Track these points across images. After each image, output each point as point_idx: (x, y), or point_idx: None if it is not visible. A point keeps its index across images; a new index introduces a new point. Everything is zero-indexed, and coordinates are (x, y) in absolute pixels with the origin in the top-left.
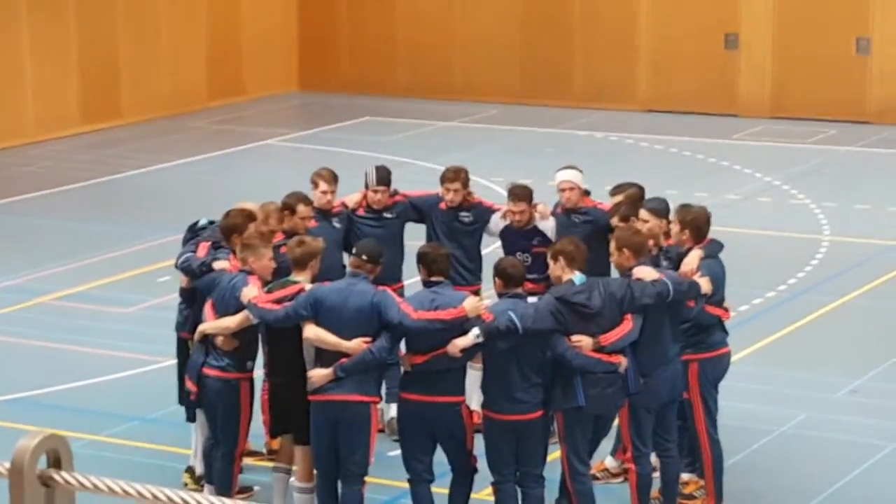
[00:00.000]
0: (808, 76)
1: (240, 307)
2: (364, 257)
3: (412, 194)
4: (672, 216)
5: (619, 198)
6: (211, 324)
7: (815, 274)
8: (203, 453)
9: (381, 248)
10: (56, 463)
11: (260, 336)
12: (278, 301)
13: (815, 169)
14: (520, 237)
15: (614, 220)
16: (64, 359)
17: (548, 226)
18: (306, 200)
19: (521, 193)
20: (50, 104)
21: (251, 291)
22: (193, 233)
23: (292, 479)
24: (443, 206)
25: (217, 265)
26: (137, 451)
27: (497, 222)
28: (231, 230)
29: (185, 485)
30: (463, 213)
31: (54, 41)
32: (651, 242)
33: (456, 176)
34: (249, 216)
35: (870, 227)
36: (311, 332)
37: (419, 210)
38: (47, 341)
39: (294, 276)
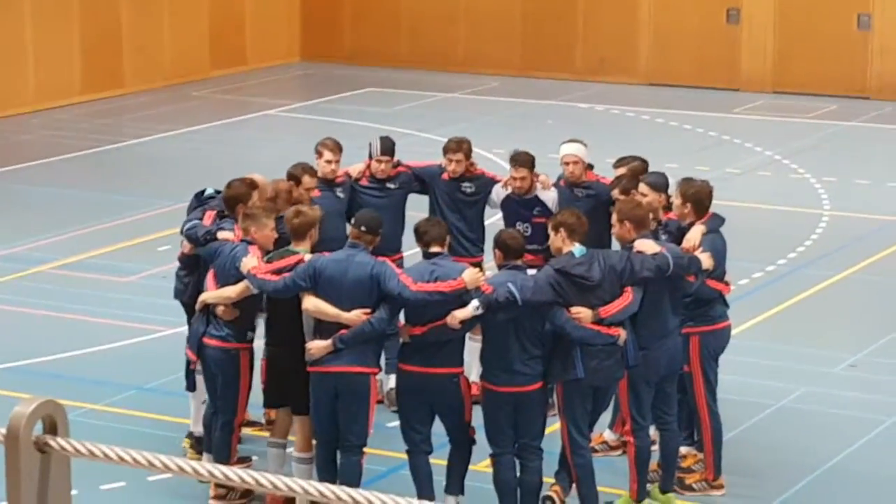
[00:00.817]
0: (809, 51)
1: (240, 277)
2: (363, 228)
3: (415, 165)
4: (674, 190)
5: (622, 170)
6: (212, 293)
7: (814, 248)
8: (203, 423)
9: (380, 218)
10: (52, 429)
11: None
12: (278, 271)
13: (815, 144)
14: (521, 206)
15: (615, 193)
16: (63, 327)
17: (549, 196)
18: (311, 171)
19: (522, 159)
20: (52, 73)
21: (251, 261)
22: (200, 201)
23: (290, 449)
24: (445, 176)
25: (221, 235)
26: (136, 420)
27: (499, 192)
28: (234, 200)
29: (185, 451)
30: (465, 184)
31: (56, 9)
32: (650, 216)
33: (458, 147)
34: (252, 185)
35: (870, 201)
36: (311, 303)
37: (422, 181)
38: (46, 310)
39: (293, 247)
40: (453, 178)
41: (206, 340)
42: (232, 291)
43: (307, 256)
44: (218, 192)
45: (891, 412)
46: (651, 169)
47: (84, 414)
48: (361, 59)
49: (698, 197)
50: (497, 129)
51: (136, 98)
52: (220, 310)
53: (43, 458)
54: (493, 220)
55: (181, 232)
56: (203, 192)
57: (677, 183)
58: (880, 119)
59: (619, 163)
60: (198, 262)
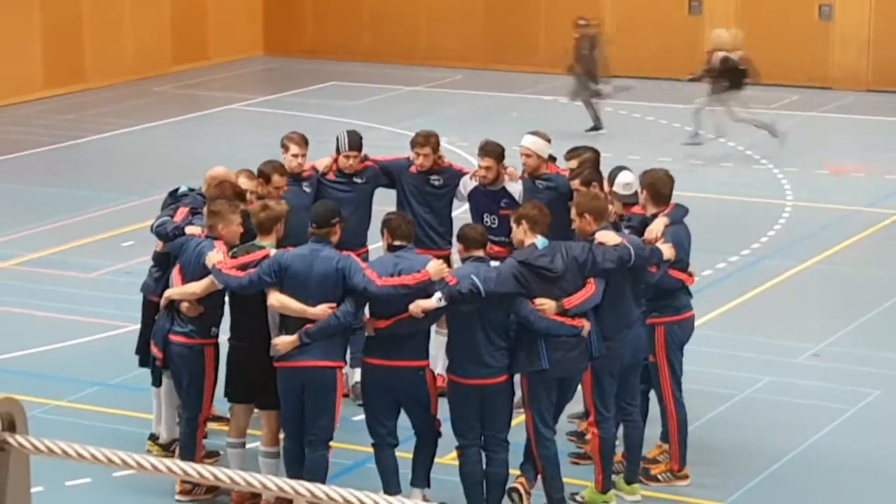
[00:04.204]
0: (771, 42)
1: (205, 273)
2: (314, 224)
3: (382, 159)
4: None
5: (573, 161)
6: (177, 289)
7: (777, 239)
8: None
9: (331, 207)
10: (10, 426)
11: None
12: (243, 267)
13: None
14: (488, 198)
15: (575, 184)
16: (26, 324)
17: (516, 188)
18: (282, 170)
19: (488, 149)
20: (13, 69)
21: (216, 256)
22: (174, 199)
23: (252, 445)
24: (413, 169)
25: (189, 230)
26: (100, 417)
27: (466, 184)
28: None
29: (149, 452)
30: (433, 177)
31: (17, 5)
32: (612, 210)
33: (426, 141)
34: (235, 189)
35: (832, 192)
36: (276, 298)
37: (389, 174)
38: (9, 307)
39: (259, 241)
40: (421, 171)
41: (171, 337)
42: (197, 287)
43: (272, 251)
44: (192, 189)
45: (853, 401)
46: (613, 161)
47: (48, 411)
48: (324, 53)
49: (651, 182)
50: (461, 121)
51: (98, 93)
52: (184, 306)
53: (1, 455)
54: (460, 212)
55: (151, 229)
56: (177, 189)
57: (639, 176)
58: (842, 109)
59: (571, 153)
60: (170, 260)
